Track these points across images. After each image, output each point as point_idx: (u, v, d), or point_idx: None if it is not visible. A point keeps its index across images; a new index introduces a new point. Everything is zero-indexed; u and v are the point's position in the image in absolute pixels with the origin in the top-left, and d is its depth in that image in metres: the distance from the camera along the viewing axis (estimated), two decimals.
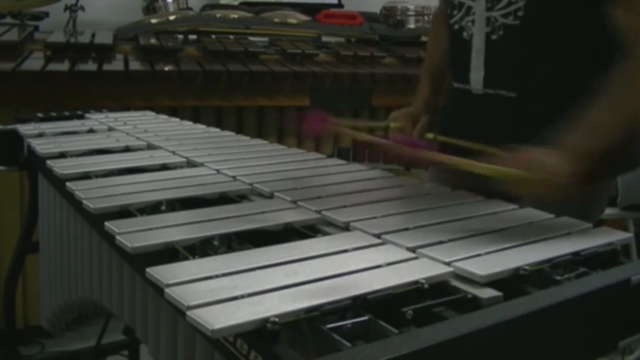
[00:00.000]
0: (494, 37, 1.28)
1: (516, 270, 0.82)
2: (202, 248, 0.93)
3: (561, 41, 1.24)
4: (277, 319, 0.68)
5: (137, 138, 1.54)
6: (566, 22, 1.23)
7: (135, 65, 2.48)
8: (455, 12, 1.35)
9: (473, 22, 1.31)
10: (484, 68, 1.30)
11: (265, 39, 3.05)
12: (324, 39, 3.10)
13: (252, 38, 3.01)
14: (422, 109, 1.48)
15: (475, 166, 1.02)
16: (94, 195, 1.11)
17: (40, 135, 1.57)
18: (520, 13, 1.24)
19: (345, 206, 1.06)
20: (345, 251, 0.88)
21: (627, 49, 1.09)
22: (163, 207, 1.10)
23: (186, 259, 0.87)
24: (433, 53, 1.54)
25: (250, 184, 1.19)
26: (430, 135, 1.39)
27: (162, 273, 0.79)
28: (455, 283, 0.81)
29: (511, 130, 1.23)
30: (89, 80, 2.31)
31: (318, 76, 2.58)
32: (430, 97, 1.50)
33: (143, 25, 2.89)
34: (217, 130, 1.70)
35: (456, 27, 1.35)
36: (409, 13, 3.18)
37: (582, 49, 1.25)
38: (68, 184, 1.18)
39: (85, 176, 1.24)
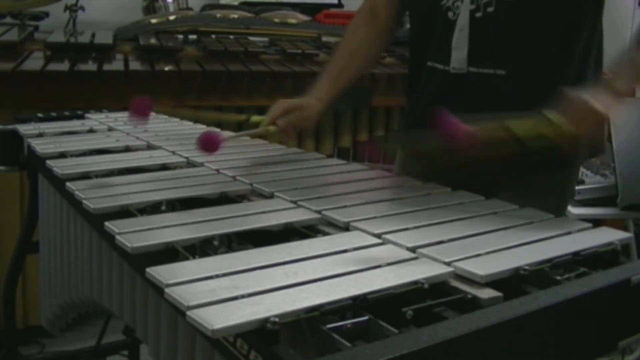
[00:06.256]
0: (478, 14, 1.29)
1: (516, 270, 0.82)
2: (202, 248, 0.93)
3: (549, 16, 1.26)
4: (277, 319, 0.68)
5: (137, 138, 1.54)
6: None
7: (135, 65, 2.48)
8: None
9: (462, 0, 1.31)
10: (468, 46, 1.31)
11: (265, 39, 3.05)
12: (324, 39, 3.09)
13: (252, 38, 3.02)
14: (313, 101, 1.50)
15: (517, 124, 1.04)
16: (94, 195, 1.11)
17: (40, 135, 1.57)
18: None
19: (345, 206, 1.06)
20: (345, 251, 0.88)
21: None
22: (163, 207, 1.10)
23: (186, 259, 0.87)
24: (339, 54, 1.59)
25: (250, 184, 1.19)
26: (271, 128, 1.40)
27: (162, 273, 0.79)
28: (455, 283, 0.81)
29: (500, 109, 1.24)
30: (89, 80, 2.31)
31: (318, 76, 2.57)
32: (323, 94, 1.53)
33: (143, 25, 2.89)
34: (217, 130, 1.70)
35: (444, 7, 1.35)
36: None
37: (570, 22, 1.26)
38: (68, 184, 1.18)
39: (85, 176, 1.24)
